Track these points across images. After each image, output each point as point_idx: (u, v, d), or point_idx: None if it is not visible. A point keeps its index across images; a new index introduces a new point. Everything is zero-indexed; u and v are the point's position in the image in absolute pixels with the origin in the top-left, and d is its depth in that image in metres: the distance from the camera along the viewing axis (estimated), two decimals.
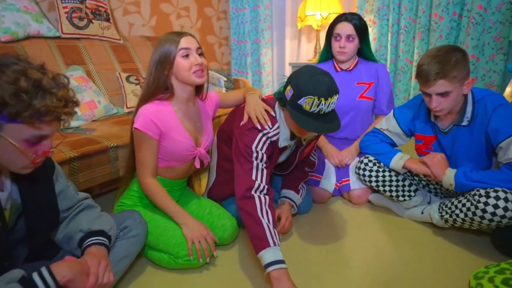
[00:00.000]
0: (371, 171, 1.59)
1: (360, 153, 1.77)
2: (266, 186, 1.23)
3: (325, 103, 1.13)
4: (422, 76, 1.29)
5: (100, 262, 0.97)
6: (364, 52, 1.84)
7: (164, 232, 1.29)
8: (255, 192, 1.20)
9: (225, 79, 2.63)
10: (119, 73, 2.25)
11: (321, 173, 1.76)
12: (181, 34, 1.29)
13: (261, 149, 1.27)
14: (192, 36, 1.31)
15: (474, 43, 2.29)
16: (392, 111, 1.62)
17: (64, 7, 2.13)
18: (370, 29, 2.74)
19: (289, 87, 1.18)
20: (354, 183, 1.72)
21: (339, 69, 1.86)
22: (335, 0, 2.81)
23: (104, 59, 2.26)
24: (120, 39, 2.41)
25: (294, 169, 1.57)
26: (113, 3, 2.57)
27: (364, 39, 1.79)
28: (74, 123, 1.85)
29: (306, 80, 1.14)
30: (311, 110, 1.13)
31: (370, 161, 1.60)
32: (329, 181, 1.75)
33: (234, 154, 1.30)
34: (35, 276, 0.82)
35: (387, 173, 1.56)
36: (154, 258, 1.31)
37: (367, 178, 1.60)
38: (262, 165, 1.25)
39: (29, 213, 0.96)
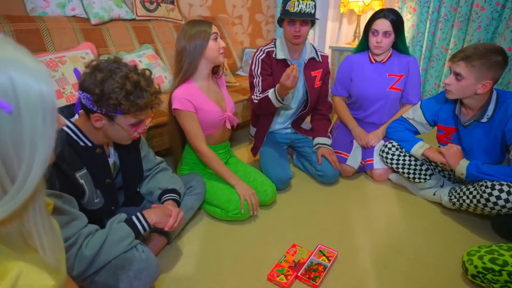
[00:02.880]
0: (393, 154, 1.68)
1: (385, 137, 1.85)
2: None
3: (302, 2, 1.48)
4: (455, 53, 1.33)
5: (177, 210, 1.17)
6: (398, 45, 1.84)
7: (218, 191, 1.48)
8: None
9: None
10: None
11: (349, 152, 1.87)
12: (209, 22, 1.39)
13: (257, 66, 1.61)
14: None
15: None
16: (419, 102, 1.67)
17: None
18: (409, 16, 2.66)
19: (281, 8, 1.56)
20: (377, 163, 1.82)
21: (373, 61, 1.87)
22: None
23: (169, 38, 2.40)
24: (182, 20, 2.53)
25: (317, 112, 1.80)
26: None
27: (399, 33, 1.78)
28: None
29: None
30: (294, 10, 1.49)
31: (393, 146, 1.69)
32: (355, 159, 1.85)
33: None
34: (134, 219, 1.06)
35: (407, 158, 1.64)
36: (210, 211, 1.52)
37: (389, 160, 1.70)
38: (259, 78, 1.60)
39: (124, 171, 1.19)
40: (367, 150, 1.89)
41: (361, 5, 2.77)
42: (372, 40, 1.80)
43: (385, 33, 1.75)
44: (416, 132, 1.70)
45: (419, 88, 1.88)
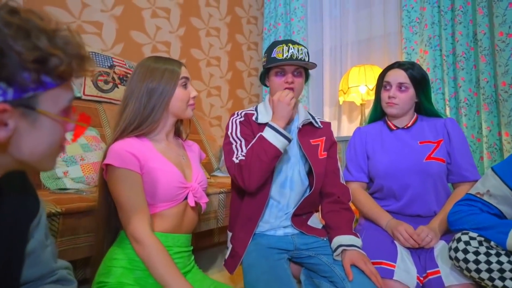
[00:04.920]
0: (476, 253, 1.03)
1: (448, 233, 1.25)
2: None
3: (293, 48, 1.26)
4: None
5: None
6: (424, 107, 1.48)
7: None
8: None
9: None
10: None
11: (393, 259, 1.19)
12: (178, 62, 1.15)
13: (235, 129, 1.32)
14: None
15: None
16: (489, 169, 1.16)
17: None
18: (421, 60, 2.39)
19: (264, 59, 1.35)
20: (449, 276, 1.12)
21: (393, 127, 1.49)
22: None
23: None
24: None
25: (330, 198, 1.34)
26: None
27: (422, 91, 1.45)
28: (74, 185, 1.49)
29: (274, 42, 1.33)
30: (284, 56, 1.26)
31: (472, 238, 1.05)
32: (407, 271, 1.16)
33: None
34: None
35: (504, 258, 1.00)
36: None
37: (471, 266, 1.04)
38: (240, 141, 1.27)
39: None
40: (422, 256, 1.22)
41: (364, 93, 2.55)
42: (384, 96, 1.45)
43: (400, 86, 1.41)
44: (499, 215, 1.11)
45: (472, 158, 1.40)
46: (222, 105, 3.11)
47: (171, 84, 1.09)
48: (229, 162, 1.23)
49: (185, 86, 1.13)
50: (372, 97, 2.57)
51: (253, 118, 1.34)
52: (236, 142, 1.28)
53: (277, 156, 1.16)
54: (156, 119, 1.09)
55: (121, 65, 2.13)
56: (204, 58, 2.98)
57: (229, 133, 1.31)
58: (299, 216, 1.35)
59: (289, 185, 1.32)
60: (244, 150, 1.22)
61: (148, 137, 1.11)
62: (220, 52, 3.13)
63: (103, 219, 1.08)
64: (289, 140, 1.18)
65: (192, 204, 1.11)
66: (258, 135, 1.20)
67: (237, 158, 1.21)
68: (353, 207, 1.41)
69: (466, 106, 2.23)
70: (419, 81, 1.42)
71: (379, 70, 2.51)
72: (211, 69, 3.04)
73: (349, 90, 2.60)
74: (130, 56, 2.31)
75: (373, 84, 2.48)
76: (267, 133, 1.18)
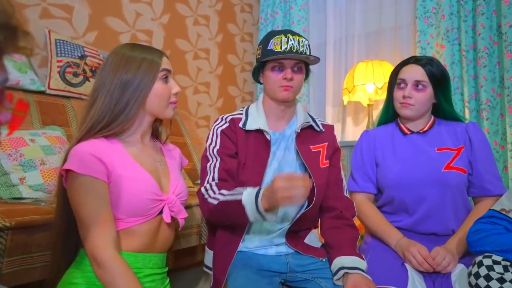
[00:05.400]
0: (501, 280, 0.98)
1: (467, 255, 1.22)
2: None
3: (293, 39, 1.24)
4: None
5: None
6: (443, 109, 1.46)
7: None
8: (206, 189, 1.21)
9: None
10: None
11: (404, 285, 1.15)
12: (159, 51, 1.12)
13: (214, 141, 1.30)
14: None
15: None
16: None
17: (58, 61, 1.93)
18: (437, 56, 2.36)
19: (258, 51, 1.33)
20: None
21: (407, 131, 1.47)
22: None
23: None
24: None
25: (331, 214, 1.32)
26: None
27: (442, 91, 1.43)
28: (32, 194, 1.43)
29: (270, 32, 1.32)
30: (282, 48, 1.23)
31: (496, 262, 1.01)
32: None
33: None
34: None
35: None
36: None
37: None
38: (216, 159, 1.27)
39: None
40: (437, 281, 1.18)
41: (371, 92, 2.51)
42: (398, 95, 1.43)
43: (417, 84, 1.39)
44: None
45: (496, 169, 1.38)
46: (211, 104, 3.07)
47: (149, 77, 1.06)
48: (202, 183, 1.25)
49: (166, 79, 1.10)
50: (381, 97, 2.55)
51: (240, 124, 1.31)
52: (212, 160, 1.27)
53: (248, 221, 1.14)
54: (130, 117, 1.06)
55: (94, 55, 2.09)
56: (191, 50, 2.93)
57: (207, 145, 1.30)
58: (295, 233, 1.32)
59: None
60: (216, 177, 1.23)
61: (119, 138, 1.08)
62: (209, 43, 3.08)
63: (60, 235, 1.03)
64: (268, 220, 1.14)
65: (168, 220, 1.07)
66: (239, 198, 1.10)
67: (210, 195, 1.19)
68: (357, 223, 1.38)
69: (488, 108, 2.20)
70: (439, 79, 1.40)
71: (388, 67, 2.50)
72: (199, 63, 3.00)
73: (355, 89, 2.57)
74: (104, 46, 2.26)
75: (381, 82, 2.47)
76: (249, 205, 1.08)
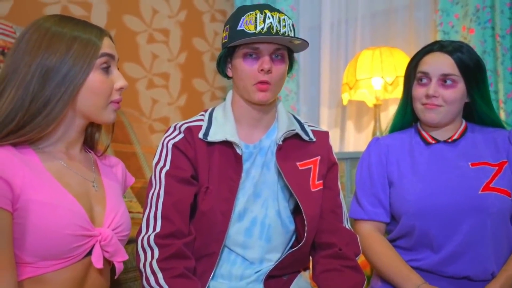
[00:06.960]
0: None
1: None
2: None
3: (272, 16, 1.24)
4: None
5: None
6: (479, 112, 1.52)
7: None
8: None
9: None
10: None
11: None
12: (100, 29, 1.14)
13: (162, 160, 1.31)
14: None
15: None
16: None
17: None
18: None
19: (224, 34, 1.33)
20: None
21: (431, 140, 1.52)
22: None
23: None
24: None
25: (327, 252, 1.35)
26: None
27: (477, 86, 1.48)
28: None
29: (240, 8, 1.35)
30: (257, 29, 1.23)
31: None
32: None
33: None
34: None
35: None
36: None
37: None
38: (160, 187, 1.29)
39: None
40: None
41: (379, 88, 2.55)
42: (419, 94, 1.48)
43: (444, 79, 1.44)
44: None
45: None
46: (171, 102, 3.09)
47: (82, 64, 1.06)
48: (142, 224, 1.26)
49: (106, 69, 1.12)
50: (391, 95, 2.62)
51: (200, 134, 1.32)
52: (155, 188, 1.28)
53: None
54: (52, 119, 1.05)
55: (8, 32, 2.06)
56: (144, 30, 2.94)
57: (153, 164, 1.33)
58: (278, 277, 1.35)
59: (259, 233, 1.33)
60: (159, 213, 1.23)
61: (35, 147, 1.09)
62: (169, 22, 3.09)
63: None
64: None
65: (99, 265, 1.08)
66: None
67: (144, 253, 1.19)
68: (362, 258, 1.45)
69: None
70: (473, 71, 1.45)
71: (401, 56, 2.55)
72: (155, 47, 3.00)
73: (358, 84, 2.61)
74: (23, 21, 2.19)
75: (392, 75, 2.51)
76: None
